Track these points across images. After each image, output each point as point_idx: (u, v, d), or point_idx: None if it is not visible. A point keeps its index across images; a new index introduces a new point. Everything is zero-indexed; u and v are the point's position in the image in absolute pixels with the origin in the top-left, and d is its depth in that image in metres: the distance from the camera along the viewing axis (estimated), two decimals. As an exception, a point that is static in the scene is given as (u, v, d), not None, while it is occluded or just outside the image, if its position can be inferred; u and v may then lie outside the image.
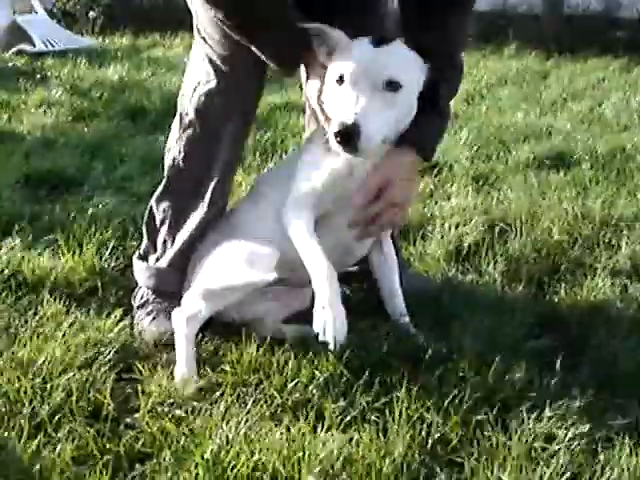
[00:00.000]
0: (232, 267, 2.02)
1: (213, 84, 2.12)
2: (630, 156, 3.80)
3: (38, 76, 5.62)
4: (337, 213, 1.99)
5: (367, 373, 1.85)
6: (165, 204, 2.24)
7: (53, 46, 6.72)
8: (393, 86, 1.81)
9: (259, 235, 2.04)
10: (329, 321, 1.76)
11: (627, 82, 5.79)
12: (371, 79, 1.80)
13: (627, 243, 2.72)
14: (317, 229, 1.98)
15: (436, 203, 3.11)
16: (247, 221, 2.11)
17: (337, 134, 1.75)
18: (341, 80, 1.84)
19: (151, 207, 2.27)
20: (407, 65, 1.86)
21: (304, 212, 1.97)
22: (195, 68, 2.17)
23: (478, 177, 3.44)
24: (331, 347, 1.76)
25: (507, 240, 2.75)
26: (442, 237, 2.73)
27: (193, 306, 2.03)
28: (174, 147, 2.22)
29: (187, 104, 2.18)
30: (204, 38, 2.11)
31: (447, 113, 2.06)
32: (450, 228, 2.79)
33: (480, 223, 2.84)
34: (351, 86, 1.81)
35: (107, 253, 2.53)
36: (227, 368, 1.92)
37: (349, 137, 1.74)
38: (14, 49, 6.57)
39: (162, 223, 2.25)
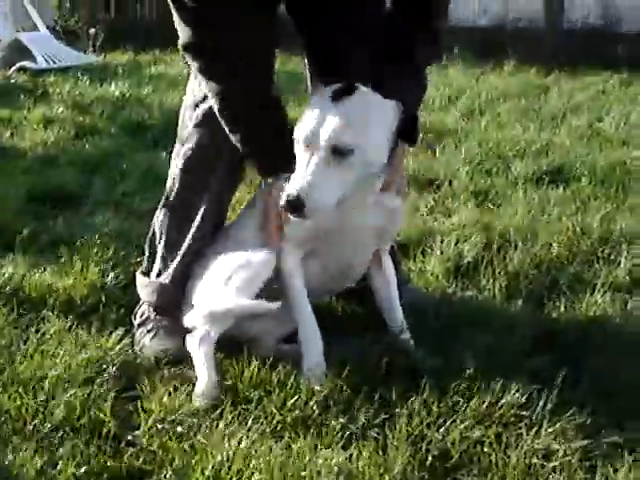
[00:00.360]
0: (235, 290, 2.02)
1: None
2: (629, 171, 3.81)
3: (40, 93, 5.66)
4: (333, 239, 2.02)
5: (367, 389, 1.86)
6: (163, 219, 2.26)
7: (55, 63, 6.77)
8: (343, 152, 1.79)
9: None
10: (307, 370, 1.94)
11: (627, 96, 5.81)
12: (321, 143, 1.80)
13: (626, 258, 2.73)
14: (314, 254, 2.02)
15: (436, 219, 3.13)
16: (247, 238, 2.13)
17: (283, 205, 1.79)
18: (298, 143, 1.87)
19: (153, 222, 2.29)
20: (362, 124, 1.82)
21: (290, 252, 2.02)
22: (197, 84, 2.19)
23: (478, 193, 3.45)
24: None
25: (506, 256, 2.76)
26: (442, 253, 2.74)
27: (201, 329, 2.03)
28: (173, 162, 2.24)
29: (187, 120, 2.20)
30: None
31: (424, 82, 2.08)
32: (450, 244, 2.80)
33: (479, 239, 2.86)
34: (303, 151, 1.83)
35: (109, 270, 2.54)
36: (228, 384, 1.92)
37: (295, 208, 1.78)
38: (16, 66, 6.62)
39: (160, 238, 2.26)
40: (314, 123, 1.82)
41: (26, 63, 6.66)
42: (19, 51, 6.84)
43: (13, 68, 6.61)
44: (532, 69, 6.68)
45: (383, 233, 2.10)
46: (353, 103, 1.84)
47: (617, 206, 3.30)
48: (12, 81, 6.22)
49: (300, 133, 1.85)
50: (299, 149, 1.86)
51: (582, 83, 6.35)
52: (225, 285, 2.04)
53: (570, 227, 2.97)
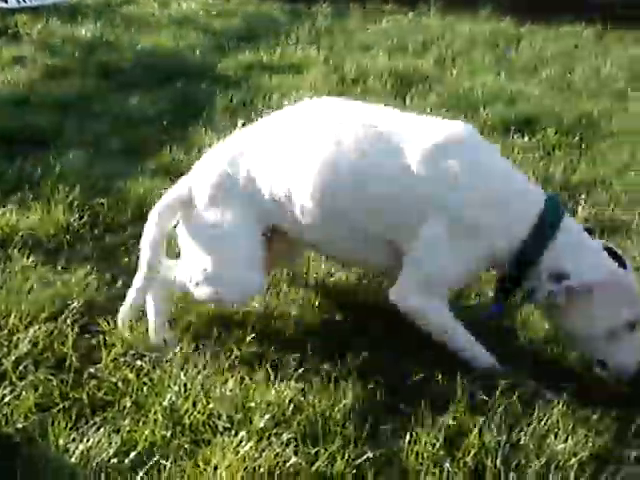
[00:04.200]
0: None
1: None
2: (595, 123, 3.86)
3: (10, 33, 5.57)
4: None
5: (322, 328, 1.93)
6: None
7: (25, 2, 6.64)
8: None
9: None
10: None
11: (599, 50, 5.82)
12: None
13: (583, 207, 2.81)
14: None
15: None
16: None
17: None
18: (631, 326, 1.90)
19: None
20: None
21: (436, 299, 1.90)
22: None
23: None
24: None
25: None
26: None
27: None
28: None
29: None
30: None
31: None
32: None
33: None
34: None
35: (74, 210, 2.57)
36: (188, 321, 1.98)
37: None
38: (-14, 5, 6.50)
39: None
40: None
41: (-4, 2, 6.54)
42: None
43: (-18, 7, 6.48)
44: (506, 18, 6.65)
45: None
46: None
47: (580, 156, 3.36)
48: (-18, 20, 6.10)
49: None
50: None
51: (556, 34, 6.33)
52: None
53: (532, 175, 3.02)
